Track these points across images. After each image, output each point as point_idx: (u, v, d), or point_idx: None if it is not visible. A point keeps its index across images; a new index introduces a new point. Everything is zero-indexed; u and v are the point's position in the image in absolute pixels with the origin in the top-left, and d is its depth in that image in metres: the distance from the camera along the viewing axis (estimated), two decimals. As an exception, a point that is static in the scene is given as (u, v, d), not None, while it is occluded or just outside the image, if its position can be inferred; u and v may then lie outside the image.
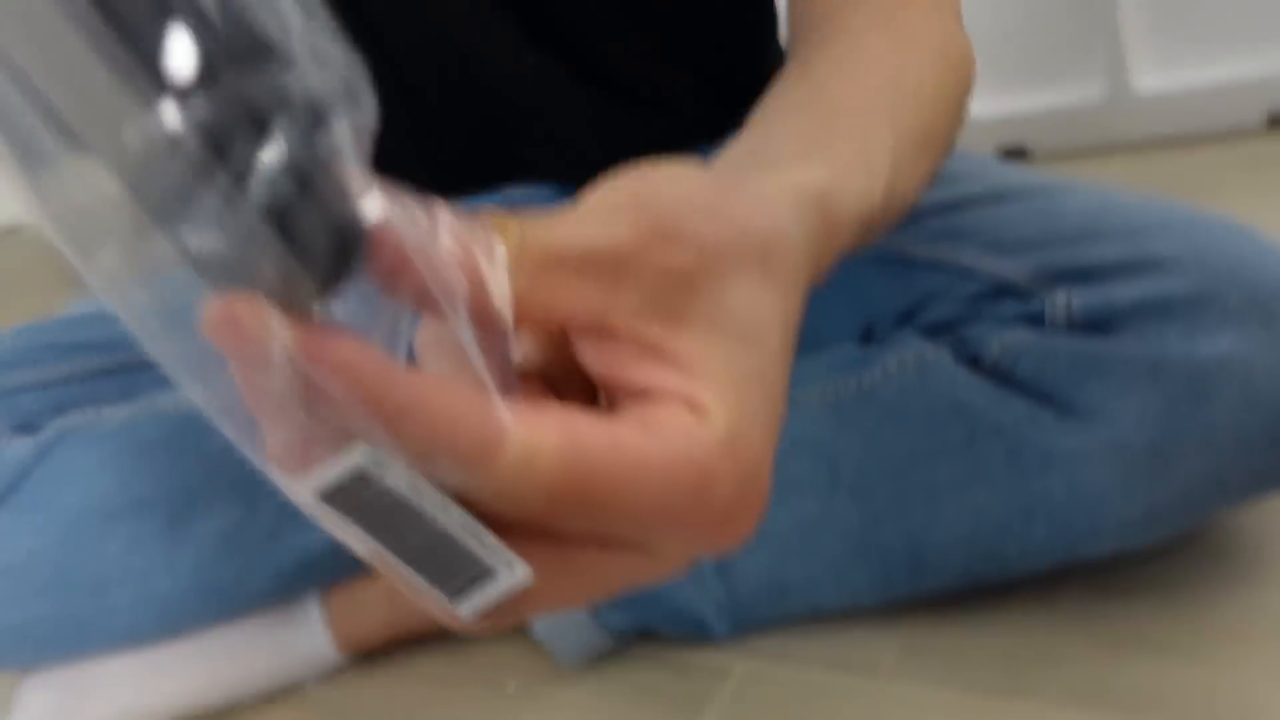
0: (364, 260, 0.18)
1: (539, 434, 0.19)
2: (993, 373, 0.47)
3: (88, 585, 0.54)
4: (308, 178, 0.17)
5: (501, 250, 0.21)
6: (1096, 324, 0.46)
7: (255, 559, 0.56)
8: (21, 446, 0.55)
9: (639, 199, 0.23)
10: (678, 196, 0.24)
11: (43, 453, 0.55)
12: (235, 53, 0.16)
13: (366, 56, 0.19)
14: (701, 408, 0.22)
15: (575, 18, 0.60)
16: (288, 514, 0.57)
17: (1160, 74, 1.18)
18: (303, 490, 0.18)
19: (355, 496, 0.18)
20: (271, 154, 0.17)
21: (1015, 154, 1.25)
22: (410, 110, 0.61)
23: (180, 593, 0.55)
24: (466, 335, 0.20)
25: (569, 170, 0.65)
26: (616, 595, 0.23)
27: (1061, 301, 0.47)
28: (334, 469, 0.18)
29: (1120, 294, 0.46)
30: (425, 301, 0.20)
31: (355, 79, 0.18)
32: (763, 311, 0.24)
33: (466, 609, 0.21)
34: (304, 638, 0.57)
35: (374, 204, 0.18)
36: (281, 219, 0.17)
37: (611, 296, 0.22)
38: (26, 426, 0.57)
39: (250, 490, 0.56)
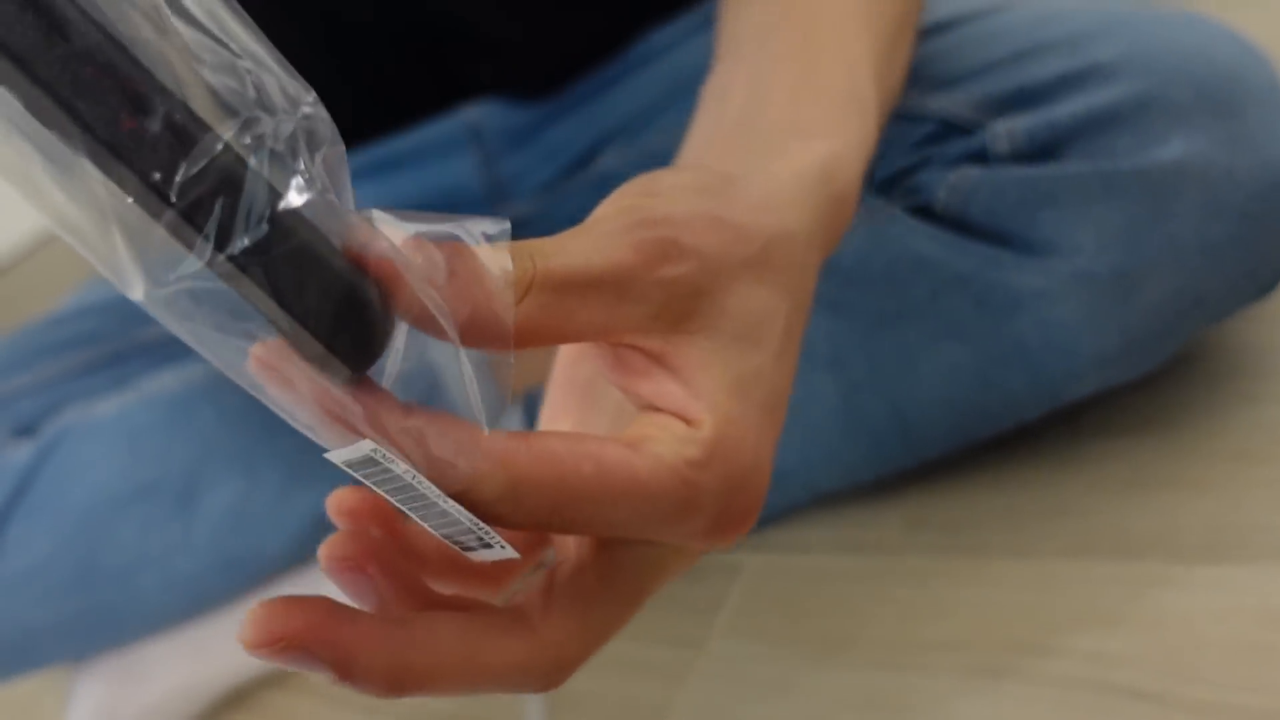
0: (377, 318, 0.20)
1: (521, 467, 0.21)
2: (945, 219, 0.45)
3: (111, 575, 0.56)
4: (290, 232, 0.18)
5: (509, 273, 0.22)
6: (1043, 149, 0.43)
7: (266, 525, 0.57)
8: (23, 451, 0.56)
9: (641, 216, 0.24)
10: (674, 213, 0.24)
11: (44, 454, 0.56)
12: (197, 121, 0.18)
13: None
14: (694, 419, 0.23)
15: None
16: (292, 477, 0.58)
17: None
18: (330, 456, 0.20)
19: (369, 471, 0.20)
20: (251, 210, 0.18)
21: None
22: (341, 44, 0.60)
23: (201, 569, 0.56)
24: (465, 364, 0.21)
25: (515, 78, 0.63)
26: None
27: (1003, 130, 0.44)
28: (349, 452, 0.20)
29: (1062, 112, 0.43)
30: (426, 324, 0.20)
31: (314, 113, 0.19)
32: (763, 312, 0.25)
33: (477, 559, 0.23)
34: (330, 595, 0.59)
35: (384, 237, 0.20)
36: (272, 275, 0.18)
37: (618, 312, 0.23)
38: (26, 430, 0.58)
39: (250, 460, 0.57)
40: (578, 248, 0.23)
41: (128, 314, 0.63)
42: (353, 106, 0.59)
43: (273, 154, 0.18)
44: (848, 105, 0.32)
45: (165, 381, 0.58)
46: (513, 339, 0.22)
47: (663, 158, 0.62)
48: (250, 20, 0.19)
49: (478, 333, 0.21)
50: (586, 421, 0.27)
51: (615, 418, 0.27)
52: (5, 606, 0.54)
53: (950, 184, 0.45)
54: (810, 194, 0.28)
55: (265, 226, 0.18)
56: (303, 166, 0.19)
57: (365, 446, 0.20)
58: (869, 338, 0.47)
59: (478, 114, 0.63)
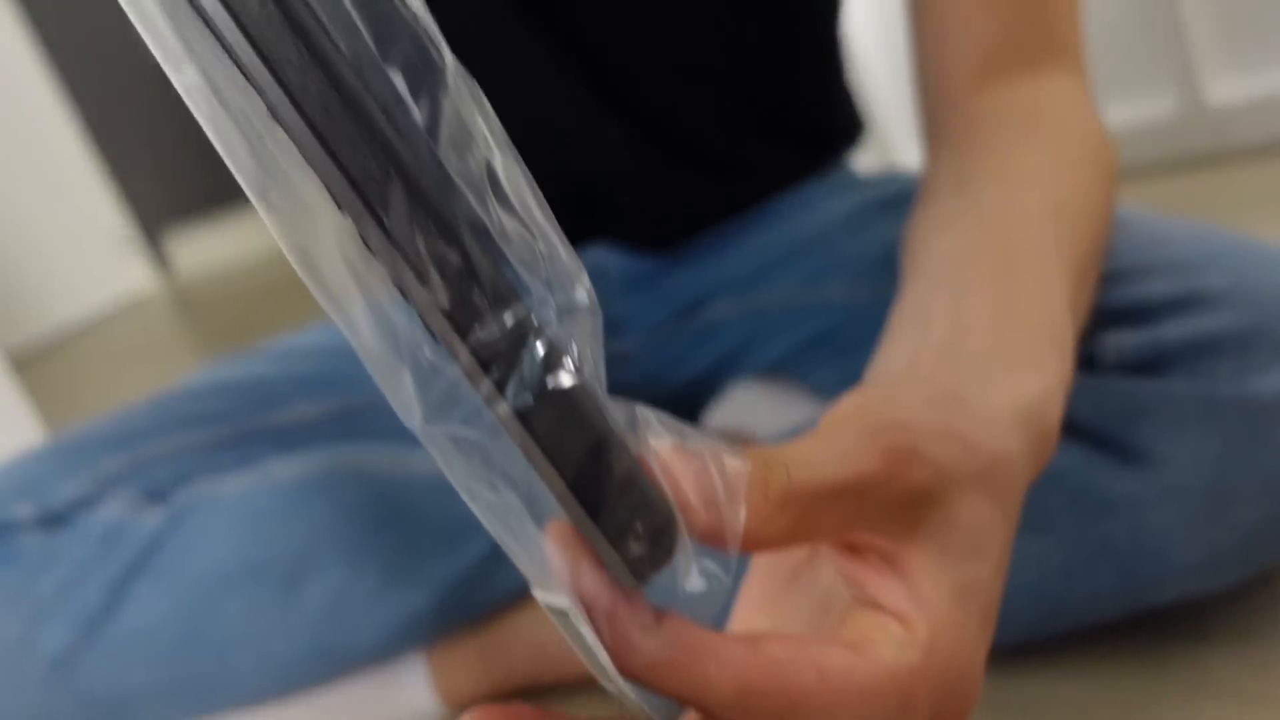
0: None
1: (750, 678, 0.22)
2: (1049, 418, 0.48)
3: (212, 647, 0.59)
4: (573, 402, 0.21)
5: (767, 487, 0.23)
6: (1148, 364, 0.46)
7: (361, 619, 0.60)
8: (154, 516, 0.60)
9: (877, 425, 0.25)
10: (912, 420, 0.26)
11: (173, 522, 0.60)
12: (498, 294, 0.20)
13: None
14: (913, 624, 0.24)
15: (648, 83, 0.63)
16: (391, 575, 0.61)
17: (1232, 83, 1.16)
18: (536, 594, 0.22)
19: (559, 621, 0.22)
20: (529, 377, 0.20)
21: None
22: None
23: (295, 654, 0.59)
24: (695, 576, 0.22)
25: (642, 232, 0.68)
26: None
27: (1112, 343, 0.47)
28: (548, 598, 0.22)
29: (1169, 333, 0.46)
30: (708, 540, 0.22)
31: (589, 294, 0.22)
32: (986, 525, 0.26)
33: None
34: (410, 693, 0.61)
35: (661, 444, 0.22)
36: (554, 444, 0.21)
37: (858, 516, 0.24)
38: (158, 495, 0.62)
39: (355, 554, 0.60)
40: (825, 456, 0.24)
41: (259, 397, 0.67)
42: None
43: (553, 334, 0.21)
44: (1048, 340, 0.34)
45: (288, 468, 0.62)
46: (767, 546, 0.23)
47: (770, 314, 0.66)
48: (546, 203, 0.21)
49: (749, 547, 0.23)
50: (786, 613, 0.28)
51: (819, 608, 0.28)
52: (113, 664, 0.57)
53: None
54: (1022, 426, 0.29)
55: (529, 396, 0.20)
56: (575, 350, 0.21)
57: (563, 601, 0.21)
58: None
59: (602, 256, 0.68)
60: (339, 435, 0.66)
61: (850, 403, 0.27)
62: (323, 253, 0.20)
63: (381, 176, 0.19)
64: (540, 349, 0.21)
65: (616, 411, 0.22)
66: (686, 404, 0.72)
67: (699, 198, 0.67)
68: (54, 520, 0.60)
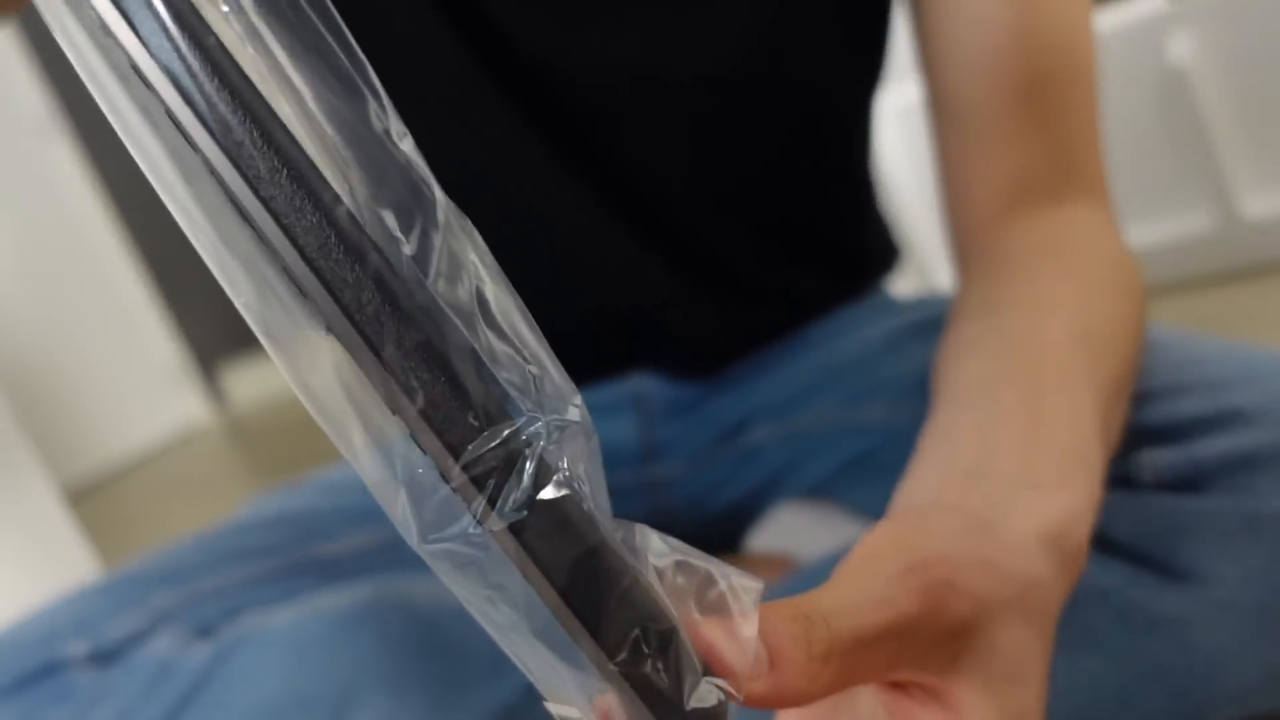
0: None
1: None
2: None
3: (268, 779, 0.59)
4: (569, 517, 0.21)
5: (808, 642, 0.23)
6: (1185, 482, 0.46)
7: (407, 750, 0.59)
8: (202, 651, 0.61)
9: (912, 562, 0.26)
10: (947, 553, 0.26)
11: (221, 657, 0.60)
12: (489, 415, 0.21)
13: None
14: None
15: (686, 214, 0.65)
16: (435, 705, 0.61)
17: (1266, 198, 1.17)
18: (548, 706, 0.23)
19: None
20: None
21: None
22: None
23: (343, 786, 0.59)
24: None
25: (682, 359, 0.69)
26: None
27: (1148, 461, 0.47)
28: (560, 710, 0.23)
29: (1206, 450, 0.46)
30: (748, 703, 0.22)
31: (580, 415, 0.22)
32: (1026, 652, 0.27)
33: None
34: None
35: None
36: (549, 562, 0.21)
37: (901, 655, 0.25)
38: (207, 630, 0.63)
39: (400, 684, 0.60)
40: (863, 602, 0.24)
41: (306, 530, 0.69)
42: None
43: (544, 450, 0.21)
44: (1076, 461, 0.35)
45: (334, 600, 0.63)
46: (812, 699, 0.23)
47: (810, 436, 0.67)
48: (537, 327, 0.22)
49: (794, 702, 0.23)
50: None
51: None
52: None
53: None
54: (1049, 548, 0.30)
55: (522, 511, 0.21)
56: (567, 465, 0.22)
57: (574, 713, 0.22)
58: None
59: (643, 384, 0.69)
60: (384, 567, 0.67)
61: (881, 537, 0.28)
62: (322, 382, 0.21)
63: (375, 309, 0.21)
64: (531, 465, 0.21)
65: (616, 530, 0.22)
66: (729, 527, 0.72)
67: (738, 324, 0.69)
68: (106, 657, 0.61)
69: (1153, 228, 1.23)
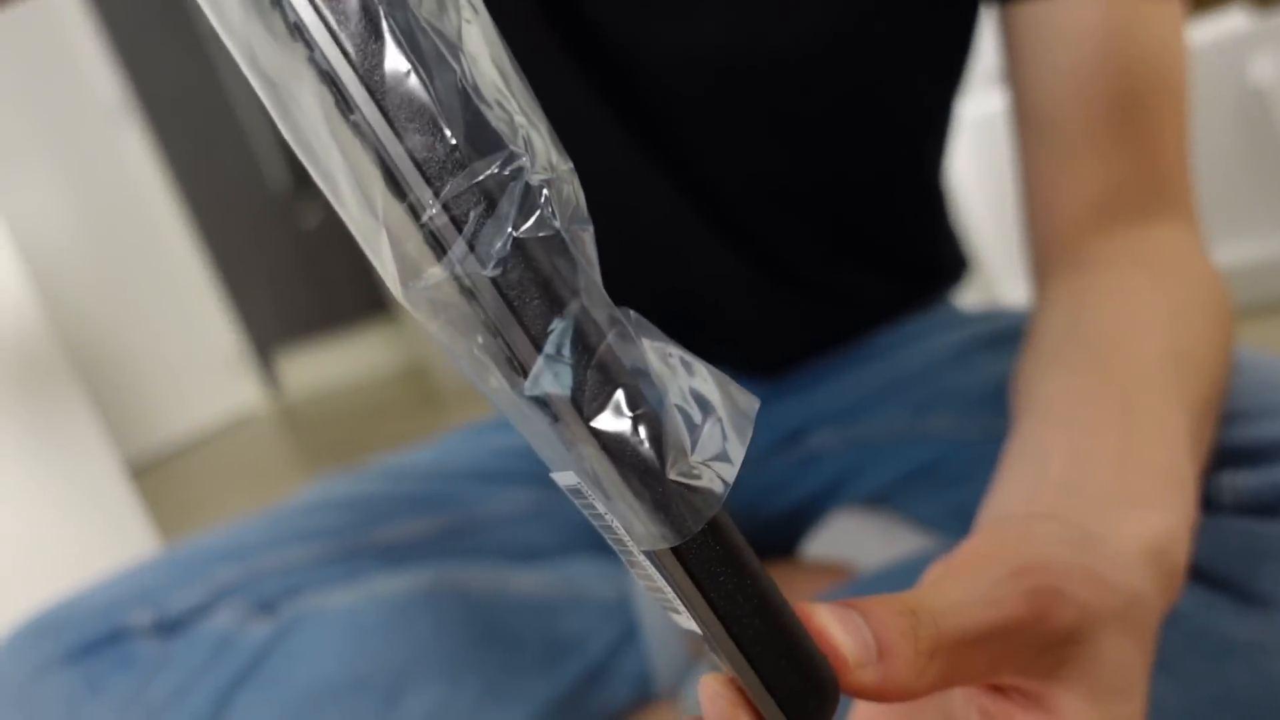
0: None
1: None
2: (1164, 558, 0.47)
3: (313, 759, 0.59)
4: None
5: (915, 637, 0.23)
6: (1266, 505, 0.45)
7: (460, 736, 0.60)
8: (263, 627, 0.62)
9: (1019, 567, 0.26)
10: (1053, 560, 0.26)
11: (281, 634, 0.61)
12: (476, 145, 0.20)
13: None
14: None
15: (759, 214, 0.65)
16: (490, 692, 0.61)
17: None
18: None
19: (573, 496, 0.22)
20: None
21: (1201, 312, 1.22)
22: None
23: (392, 766, 0.59)
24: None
25: (748, 355, 0.69)
26: None
27: (1228, 484, 0.46)
28: (562, 478, 0.21)
29: None
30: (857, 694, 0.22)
31: (571, 183, 0.21)
32: (1129, 664, 0.26)
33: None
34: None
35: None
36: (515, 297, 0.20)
37: (1004, 658, 0.25)
38: (267, 606, 0.64)
39: (455, 669, 0.61)
40: (970, 602, 0.24)
41: (367, 514, 0.69)
42: None
43: (527, 187, 0.20)
44: (1172, 481, 0.34)
45: (394, 584, 0.64)
46: (917, 695, 0.23)
47: (872, 444, 0.67)
48: (536, 100, 0.21)
49: (898, 697, 0.23)
50: None
51: None
52: (216, 772, 0.58)
53: None
54: (1151, 565, 0.30)
55: (508, 247, 0.19)
56: (553, 211, 0.20)
57: (573, 479, 0.20)
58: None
59: None
60: (442, 553, 0.68)
61: (986, 540, 0.27)
62: (307, 121, 0.20)
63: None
64: (512, 205, 0.20)
65: (606, 307, 0.21)
66: (786, 532, 0.71)
67: (804, 325, 0.69)
68: (169, 628, 0.62)
69: (1235, 248, 1.20)
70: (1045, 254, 0.53)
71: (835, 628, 0.22)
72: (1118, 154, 0.51)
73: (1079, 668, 0.25)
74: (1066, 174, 0.52)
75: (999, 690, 0.26)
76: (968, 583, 0.25)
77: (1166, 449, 0.35)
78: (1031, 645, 0.25)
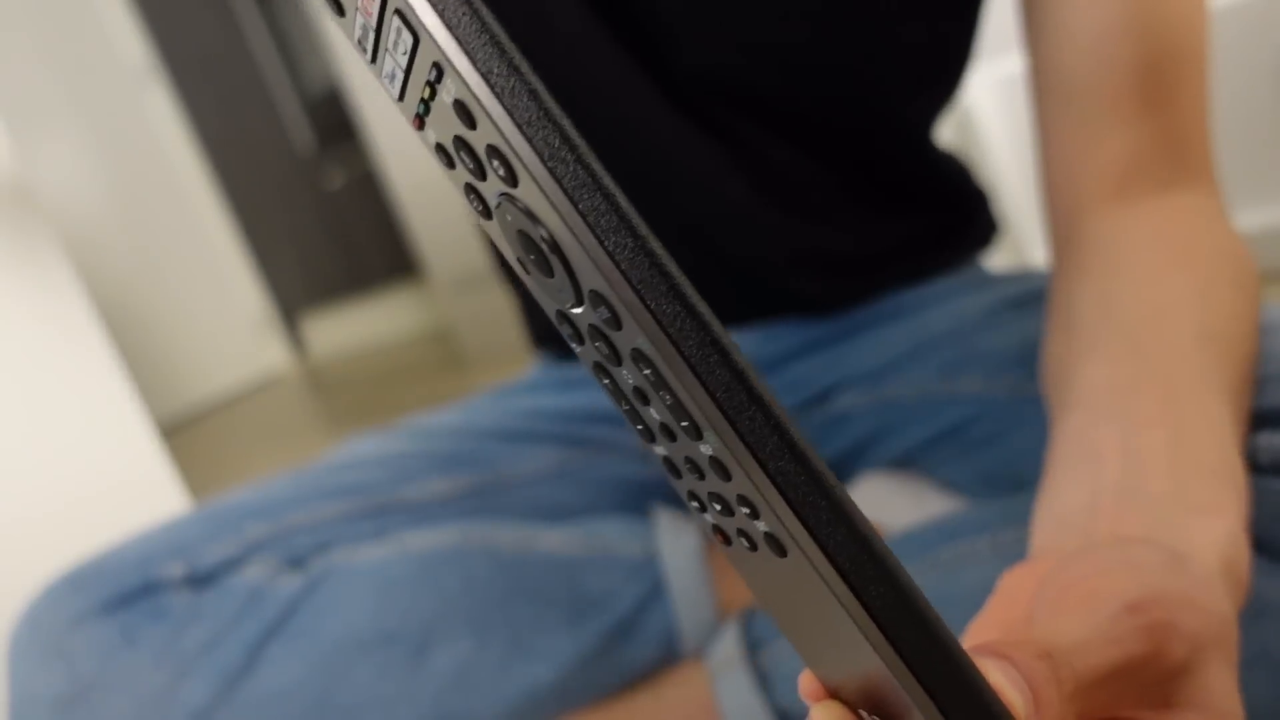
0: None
1: None
2: (1198, 518, 0.47)
3: (341, 712, 0.60)
4: None
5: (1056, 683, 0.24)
6: None
7: (487, 690, 0.61)
8: (293, 581, 0.62)
9: (1134, 602, 0.26)
10: (1162, 593, 0.27)
11: (310, 588, 0.62)
12: None
13: None
14: None
15: (786, 158, 0.65)
16: (518, 647, 0.62)
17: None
18: None
19: None
20: None
21: (1235, 276, 1.21)
22: None
23: (420, 720, 0.60)
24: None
25: (768, 313, 0.69)
26: None
27: (1264, 445, 0.46)
28: None
29: None
30: None
31: None
32: (1231, 689, 0.27)
33: None
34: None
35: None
36: None
37: (1125, 693, 0.25)
38: (297, 561, 0.64)
39: (482, 625, 0.61)
40: (1093, 640, 0.25)
41: (396, 472, 0.70)
42: None
43: None
44: (1227, 481, 0.34)
45: (422, 540, 0.64)
46: None
47: (901, 405, 0.66)
48: None
49: None
50: None
51: None
52: (246, 724, 0.59)
53: None
54: (1227, 578, 0.30)
55: None
56: None
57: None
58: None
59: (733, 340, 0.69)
60: (470, 511, 0.68)
61: (1086, 567, 0.28)
62: None
63: None
64: None
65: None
66: (812, 493, 0.71)
67: (834, 273, 0.68)
68: (201, 580, 0.63)
69: (1265, 212, 1.19)
70: (1066, 222, 0.52)
71: (1007, 686, 0.23)
72: (1139, 121, 0.50)
73: (1191, 697, 0.26)
74: (1086, 140, 0.51)
75: None
76: (1086, 619, 0.26)
77: (1216, 444, 0.36)
78: (1149, 679, 0.25)
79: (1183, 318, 0.42)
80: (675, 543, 0.66)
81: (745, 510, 0.20)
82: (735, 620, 0.61)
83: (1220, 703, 0.26)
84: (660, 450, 0.22)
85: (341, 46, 2.47)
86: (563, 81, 0.60)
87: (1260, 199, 1.18)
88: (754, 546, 0.21)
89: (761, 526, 0.20)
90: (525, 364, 0.80)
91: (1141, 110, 0.50)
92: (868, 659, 0.20)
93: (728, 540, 0.22)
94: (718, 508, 0.21)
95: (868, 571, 0.20)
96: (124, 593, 0.62)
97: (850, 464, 0.70)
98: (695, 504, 0.22)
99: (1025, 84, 0.56)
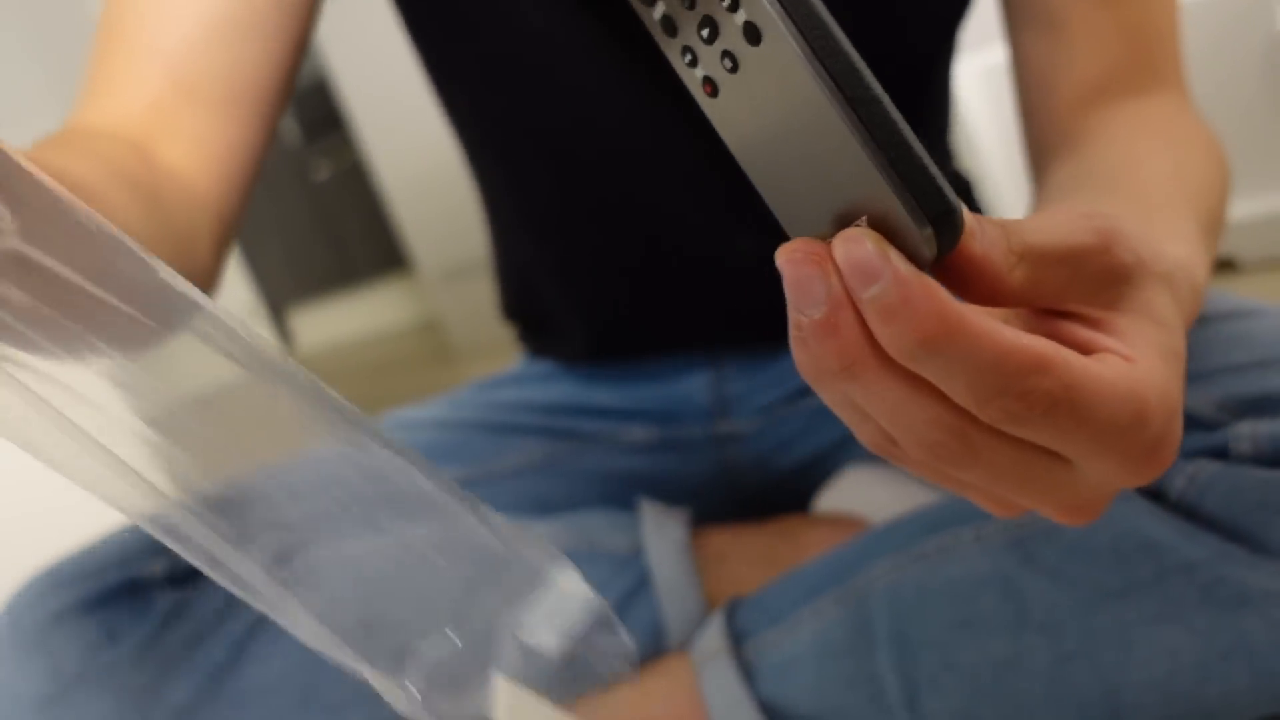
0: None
1: (1037, 349, 0.24)
2: (1179, 507, 0.47)
3: (326, 707, 0.60)
4: None
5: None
6: None
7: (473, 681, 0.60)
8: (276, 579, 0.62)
9: (1089, 213, 0.29)
10: (1118, 217, 0.29)
11: (295, 582, 0.62)
12: None
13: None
14: (1134, 360, 0.27)
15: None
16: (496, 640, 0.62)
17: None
18: None
19: None
20: None
21: (1223, 265, 1.21)
22: (610, 283, 0.67)
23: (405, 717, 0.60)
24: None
25: (755, 319, 0.69)
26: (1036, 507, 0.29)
27: (1247, 432, 0.46)
28: None
29: None
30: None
31: None
32: (1173, 316, 0.29)
33: None
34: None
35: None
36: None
37: (1072, 284, 0.28)
38: (282, 558, 0.64)
39: (459, 616, 0.61)
40: (1049, 228, 0.27)
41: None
42: (599, 334, 0.66)
43: None
44: (1190, 243, 0.36)
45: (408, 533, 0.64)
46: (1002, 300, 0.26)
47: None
48: None
49: (988, 300, 0.26)
50: None
51: None
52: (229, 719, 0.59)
53: (1188, 474, 0.47)
54: (1179, 269, 0.32)
55: None
56: None
57: None
58: (1087, 610, 0.48)
59: (720, 341, 0.69)
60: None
61: (1059, 206, 0.31)
62: None
63: None
64: None
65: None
66: (797, 486, 0.71)
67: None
68: (182, 579, 0.63)
69: (1258, 201, 1.19)
70: (1043, 140, 0.54)
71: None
72: (1112, 35, 0.52)
73: (1133, 303, 0.28)
74: (1061, 59, 0.53)
75: (1066, 316, 0.29)
76: (1044, 215, 0.28)
77: (1182, 234, 0.37)
78: (1095, 276, 0.27)
79: (1156, 160, 0.45)
80: (660, 536, 0.66)
81: (725, 3, 0.23)
82: (720, 612, 0.61)
83: (1160, 314, 0.28)
84: (658, 10, 0.24)
85: (329, 37, 2.45)
86: (560, 60, 0.59)
87: (1248, 188, 1.18)
88: (735, 67, 0.24)
89: (740, 18, 0.23)
90: (514, 356, 0.80)
91: (1113, 21, 0.53)
92: (836, 163, 0.23)
93: (715, 90, 0.25)
94: (704, 36, 0.24)
95: (829, 45, 0.22)
96: (106, 590, 0.61)
97: (835, 457, 0.70)
98: (688, 57, 0.25)
99: (999, 11, 0.58)
